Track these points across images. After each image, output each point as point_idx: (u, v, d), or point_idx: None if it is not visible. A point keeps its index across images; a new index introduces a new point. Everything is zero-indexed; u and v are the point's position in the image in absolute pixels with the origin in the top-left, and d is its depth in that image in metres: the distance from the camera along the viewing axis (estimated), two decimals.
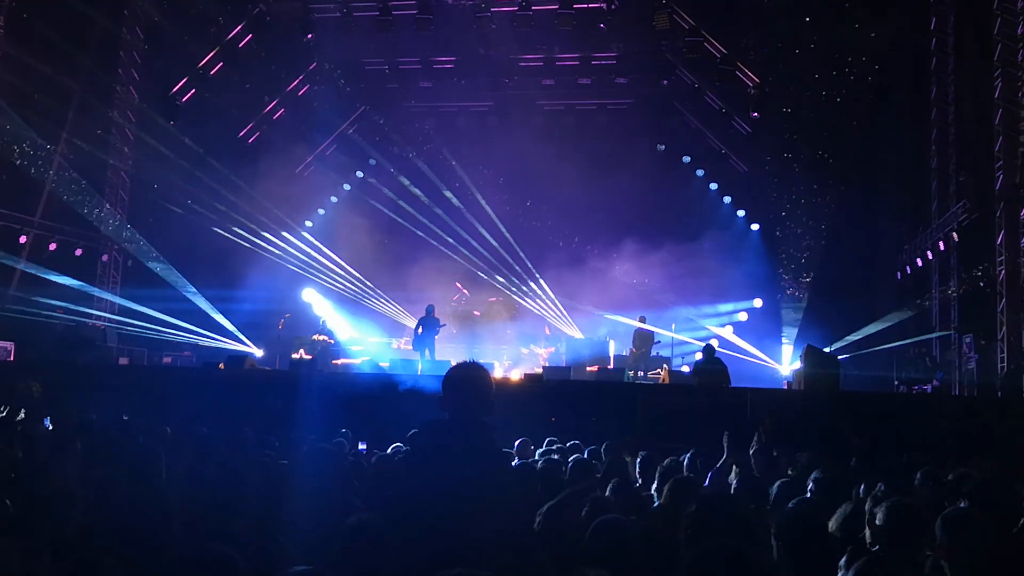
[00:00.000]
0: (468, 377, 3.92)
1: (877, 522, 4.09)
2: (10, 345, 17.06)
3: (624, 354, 20.44)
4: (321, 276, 24.57)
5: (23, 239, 19.55)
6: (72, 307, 20.26)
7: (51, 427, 8.49)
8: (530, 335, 22.55)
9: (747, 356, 21.12)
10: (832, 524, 4.45)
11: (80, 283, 20.79)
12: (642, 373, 18.98)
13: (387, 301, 24.14)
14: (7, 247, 19.23)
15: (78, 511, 4.12)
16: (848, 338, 19.88)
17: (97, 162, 21.48)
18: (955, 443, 9.17)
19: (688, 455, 7.02)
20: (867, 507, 4.49)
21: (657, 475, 6.06)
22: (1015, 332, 15.59)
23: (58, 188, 20.55)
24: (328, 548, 3.34)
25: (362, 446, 9.04)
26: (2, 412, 8.85)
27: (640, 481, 6.70)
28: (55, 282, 19.77)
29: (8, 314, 18.73)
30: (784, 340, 21.54)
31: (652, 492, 5.92)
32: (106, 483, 4.50)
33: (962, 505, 4.54)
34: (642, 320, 20.14)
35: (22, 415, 9.00)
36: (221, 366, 15.55)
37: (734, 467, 6.45)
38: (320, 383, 13.35)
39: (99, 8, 20.61)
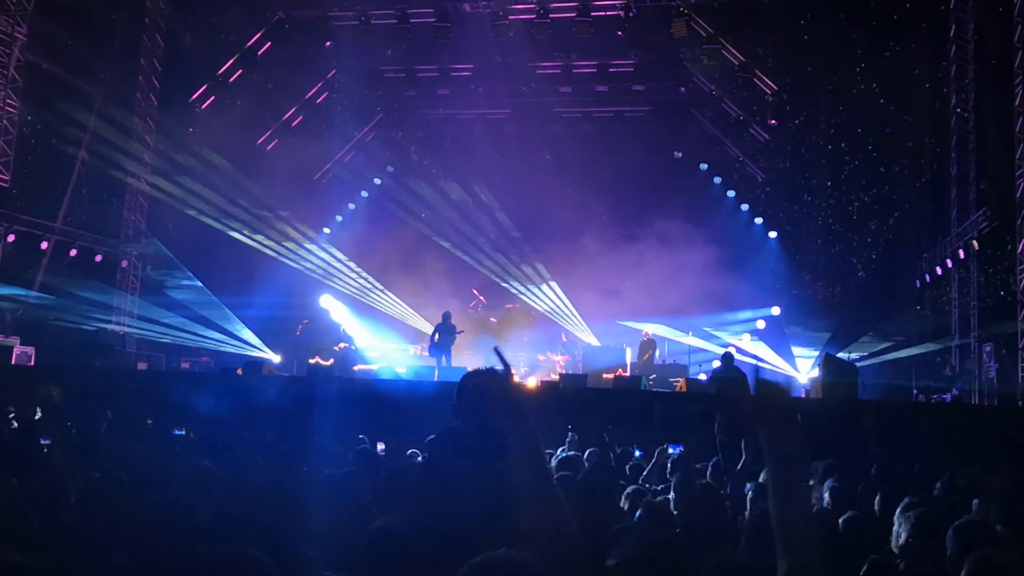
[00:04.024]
0: (483, 384, 3.92)
1: (904, 533, 4.04)
2: (31, 350, 17.18)
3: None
4: (339, 282, 24.68)
5: (44, 245, 19.70)
6: (92, 313, 20.42)
7: (71, 434, 8.54)
8: (547, 342, 22.51)
9: (765, 364, 21.02)
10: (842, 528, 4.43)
11: (100, 289, 20.94)
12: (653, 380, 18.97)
13: (404, 307, 24.20)
14: (29, 253, 19.39)
15: (98, 516, 4.14)
16: (866, 346, 19.77)
17: (117, 169, 21.66)
18: (975, 453, 9.10)
19: (711, 463, 7.01)
20: (896, 517, 4.45)
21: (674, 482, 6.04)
22: None
23: (78, 195, 20.74)
24: (351, 553, 3.35)
25: (380, 447, 9.09)
26: (11, 414, 8.90)
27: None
28: (75, 288, 19.92)
29: (29, 319, 18.91)
30: (802, 348, 21.43)
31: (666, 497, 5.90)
32: (125, 488, 4.53)
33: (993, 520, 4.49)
34: (646, 335, 20.24)
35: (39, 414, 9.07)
36: (239, 372, 15.62)
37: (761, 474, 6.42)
38: (338, 389, 13.39)
39: (119, 16, 20.81)
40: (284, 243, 24.23)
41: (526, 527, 2.23)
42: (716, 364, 16.24)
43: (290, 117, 24.80)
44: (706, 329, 22.15)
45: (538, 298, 24.35)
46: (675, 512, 5.23)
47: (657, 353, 20.43)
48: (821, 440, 9.54)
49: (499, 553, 2.01)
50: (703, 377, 18.63)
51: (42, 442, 6.48)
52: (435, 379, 16.68)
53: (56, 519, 4.00)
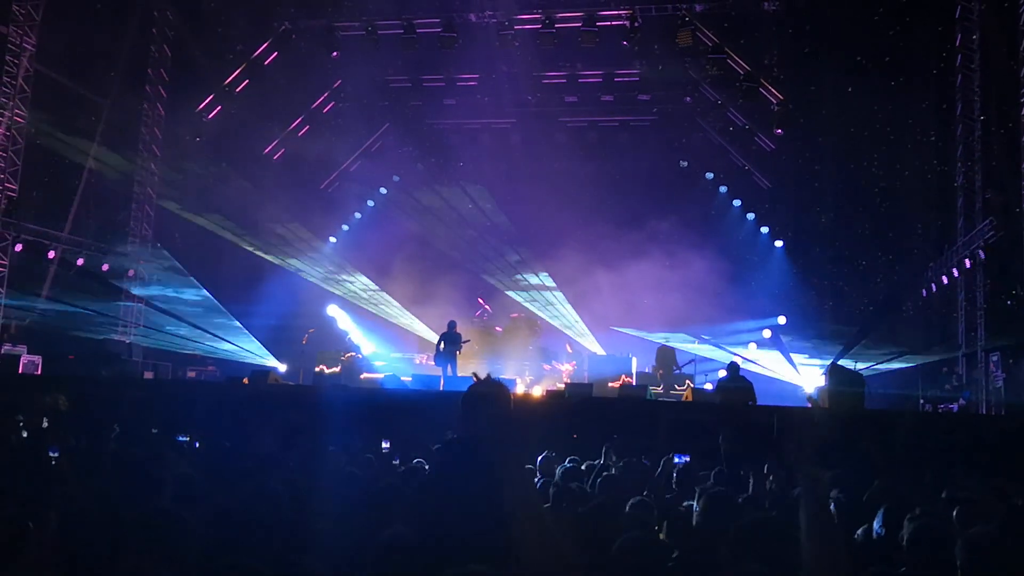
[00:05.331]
0: (487, 395, 3.93)
1: (904, 542, 4.04)
2: (38, 359, 17.22)
3: (647, 371, 20.42)
4: (345, 291, 24.74)
5: (51, 254, 19.78)
6: (98, 321, 20.47)
7: (79, 444, 8.55)
8: (552, 351, 22.53)
9: (770, 373, 20.98)
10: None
11: (106, 298, 21.00)
12: (660, 389, 18.96)
13: (410, 316, 24.24)
14: (36, 262, 19.47)
15: (102, 527, 4.15)
16: (872, 356, 19.72)
17: (124, 178, 21.77)
18: (981, 463, 9.07)
19: (713, 472, 6.99)
20: (905, 525, 4.44)
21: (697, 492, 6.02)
22: None
23: (86, 204, 20.82)
24: (358, 564, 3.35)
25: (385, 445, 9.11)
26: (20, 422, 8.92)
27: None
28: (82, 297, 19.98)
29: (36, 328, 18.96)
30: (807, 357, 21.38)
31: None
32: (128, 497, 4.53)
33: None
34: (666, 341, 20.20)
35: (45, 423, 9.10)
36: (245, 380, 15.62)
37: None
38: (344, 398, 13.39)
39: (127, 26, 20.93)
40: (290, 252, 24.32)
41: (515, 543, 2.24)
42: (722, 373, 16.18)
43: (297, 127, 24.86)
44: (706, 337, 22.12)
45: (543, 307, 24.35)
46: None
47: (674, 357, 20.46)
48: (827, 450, 9.51)
49: (467, 569, 2.03)
50: (709, 387, 18.60)
51: (51, 454, 6.49)
52: (441, 388, 16.68)
53: (62, 531, 4.01)
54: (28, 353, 17.33)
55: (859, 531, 4.71)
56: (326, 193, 26.45)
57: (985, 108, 18.34)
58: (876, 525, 4.70)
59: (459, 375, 18.00)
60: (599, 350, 22.81)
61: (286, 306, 22.41)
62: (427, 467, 7.23)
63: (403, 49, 21.27)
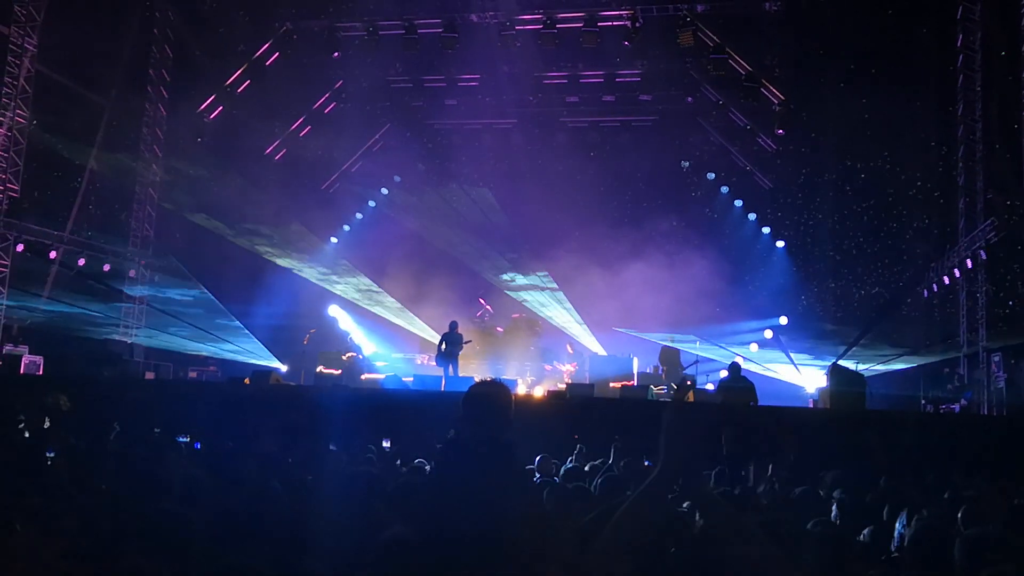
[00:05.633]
0: (487, 395, 3.92)
1: (906, 542, 4.05)
2: (39, 359, 17.23)
3: (648, 371, 20.39)
4: (347, 291, 24.74)
5: (53, 254, 19.78)
6: (100, 322, 20.47)
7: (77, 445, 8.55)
8: (553, 352, 22.50)
9: (771, 374, 20.96)
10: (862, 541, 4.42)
11: (108, 298, 21.00)
12: (663, 389, 18.93)
13: (411, 317, 24.23)
14: (38, 262, 19.47)
15: (102, 527, 4.15)
16: (874, 356, 19.70)
17: (125, 178, 21.79)
18: (983, 464, 9.05)
19: (714, 472, 6.99)
20: (912, 525, 4.44)
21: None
22: None
23: (87, 204, 20.84)
24: (359, 564, 3.35)
25: (386, 444, 9.12)
26: (21, 423, 8.93)
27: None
28: (84, 297, 19.99)
29: (38, 328, 18.97)
30: (809, 358, 21.36)
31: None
32: (129, 497, 4.53)
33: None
34: (671, 341, 20.19)
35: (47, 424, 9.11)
36: (247, 381, 15.62)
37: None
38: (345, 398, 13.40)
39: (129, 27, 20.95)
40: (292, 252, 24.32)
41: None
42: (723, 374, 16.17)
43: (298, 127, 24.84)
44: (707, 337, 22.09)
45: (544, 307, 24.34)
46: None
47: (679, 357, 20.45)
48: (829, 450, 9.52)
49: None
50: (711, 387, 18.58)
51: (48, 454, 6.49)
52: (442, 388, 16.68)
53: (62, 530, 4.01)
54: (30, 353, 17.34)
55: (865, 531, 4.71)
56: (327, 193, 26.45)
57: (986, 109, 18.33)
58: (899, 526, 4.70)
59: (460, 375, 18.00)
60: (600, 350, 22.80)
61: (287, 306, 22.42)
62: (428, 467, 7.23)
63: (404, 49, 21.27)
